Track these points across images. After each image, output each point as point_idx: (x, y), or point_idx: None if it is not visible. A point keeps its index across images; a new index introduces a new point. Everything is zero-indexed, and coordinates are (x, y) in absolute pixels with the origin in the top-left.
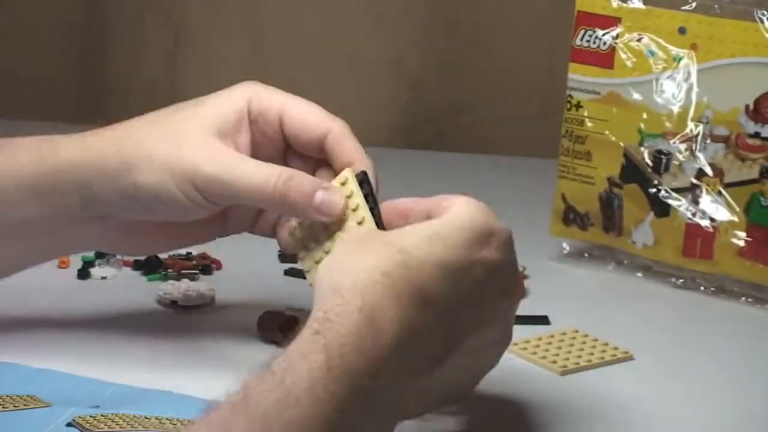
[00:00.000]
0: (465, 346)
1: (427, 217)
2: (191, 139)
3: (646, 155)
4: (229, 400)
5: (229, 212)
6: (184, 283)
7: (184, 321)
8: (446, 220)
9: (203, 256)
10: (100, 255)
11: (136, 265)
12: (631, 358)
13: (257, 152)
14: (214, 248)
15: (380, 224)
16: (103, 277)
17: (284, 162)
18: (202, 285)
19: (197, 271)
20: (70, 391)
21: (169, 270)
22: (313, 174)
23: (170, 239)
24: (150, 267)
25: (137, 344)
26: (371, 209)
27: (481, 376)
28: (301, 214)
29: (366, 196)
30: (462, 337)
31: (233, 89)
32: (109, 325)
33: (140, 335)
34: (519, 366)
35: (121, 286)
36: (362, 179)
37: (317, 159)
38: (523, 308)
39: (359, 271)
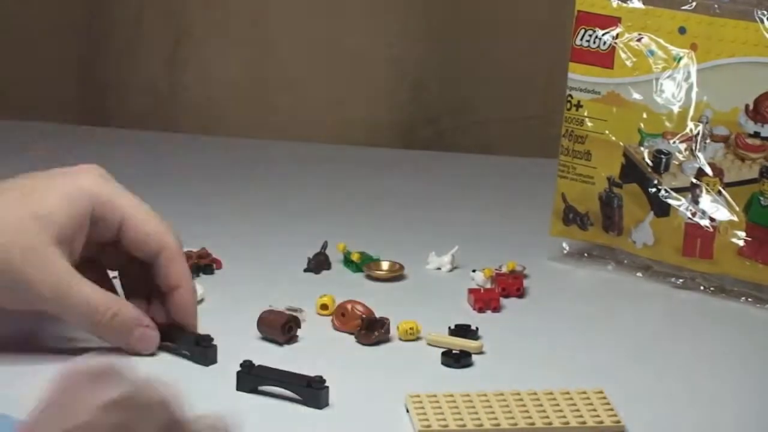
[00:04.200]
0: None
1: None
2: (30, 252)
3: (646, 155)
4: None
5: None
6: None
7: None
8: None
9: (202, 255)
10: None
11: None
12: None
13: (90, 247)
14: (214, 248)
15: None
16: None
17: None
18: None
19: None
20: None
21: None
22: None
23: None
24: None
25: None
26: None
27: None
28: (118, 345)
29: None
30: None
31: (76, 189)
32: None
33: None
34: None
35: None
36: None
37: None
38: (523, 308)
39: None
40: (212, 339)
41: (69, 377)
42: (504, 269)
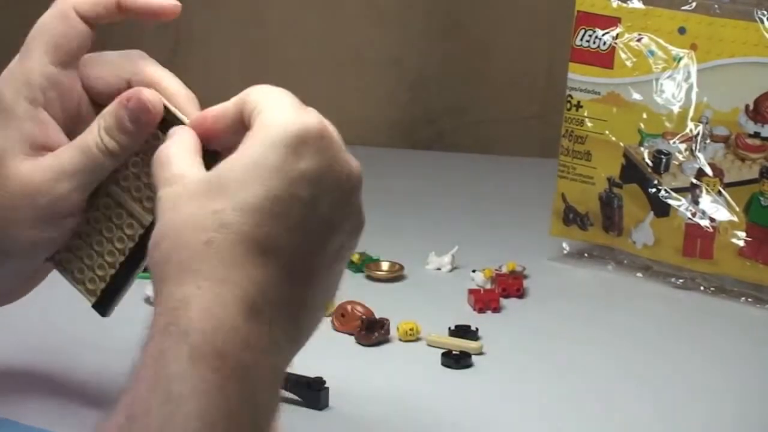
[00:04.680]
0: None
1: (242, 127)
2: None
3: (646, 155)
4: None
5: None
6: None
7: None
8: (257, 142)
9: None
10: None
11: None
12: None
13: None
14: None
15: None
16: None
17: None
18: None
19: None
20: None
21: None
22: None
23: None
24: None
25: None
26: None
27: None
28: (129, 136)
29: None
30: (317, 273)
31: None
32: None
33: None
34: None
35: None
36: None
37: None
38: (523, 308)
39: (185, 245)
40: None
41: (274, 141)
42: (504, 269)
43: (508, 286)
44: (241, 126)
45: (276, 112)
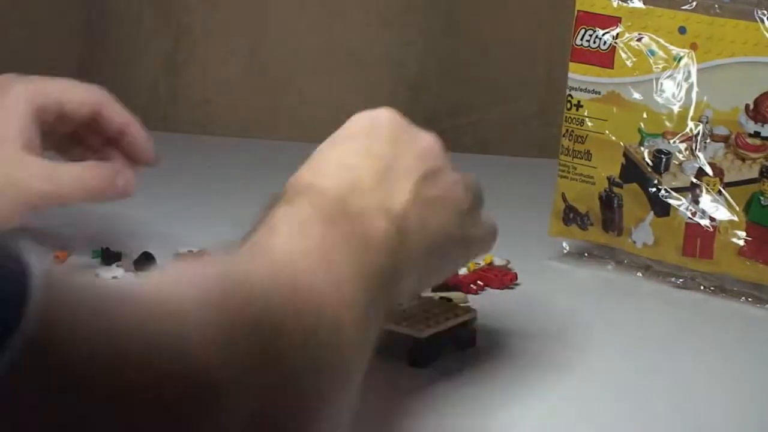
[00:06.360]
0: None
1: None
2: (12, 163)
3: (646, 155)
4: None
5: None
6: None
7: None
8: None
9: (202, 254)
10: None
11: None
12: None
13: (46, 142)
14: (214, 248)
15: None
16: (114, 277)
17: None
18: None
19: None
20: None
21: None
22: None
23: None
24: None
25: None
26: None
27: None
28: (108, 199)
29: None
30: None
31: (10, 97)
32: None
33: None
34: None
35: None
36: None
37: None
38: (522, 308)
39: None
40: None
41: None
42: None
43: (491, 280)
44: None
45: None
